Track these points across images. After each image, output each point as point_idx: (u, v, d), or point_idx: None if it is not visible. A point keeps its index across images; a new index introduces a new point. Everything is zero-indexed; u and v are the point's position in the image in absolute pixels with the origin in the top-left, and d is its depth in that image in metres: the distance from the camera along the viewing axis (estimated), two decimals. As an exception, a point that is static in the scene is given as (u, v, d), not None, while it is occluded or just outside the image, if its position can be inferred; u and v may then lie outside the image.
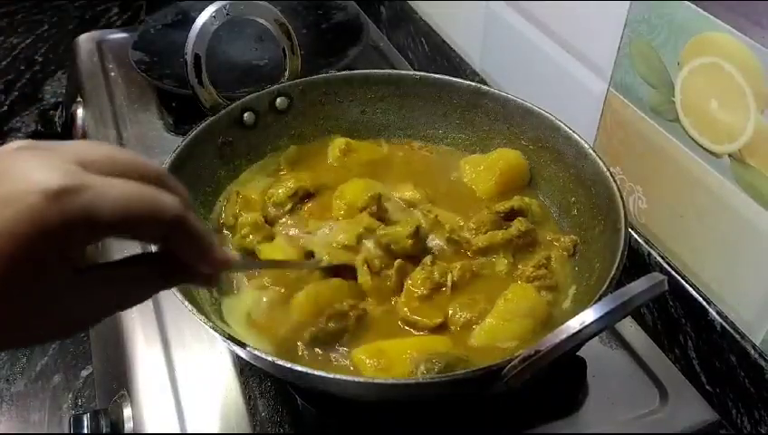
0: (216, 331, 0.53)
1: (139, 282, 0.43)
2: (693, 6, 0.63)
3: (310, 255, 0.68)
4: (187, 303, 0.55)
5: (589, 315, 0.46)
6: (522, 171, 0.77)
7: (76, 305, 0.39)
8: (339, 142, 0.81)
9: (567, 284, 0.67)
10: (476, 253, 0.69)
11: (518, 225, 0.69)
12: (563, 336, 0.46)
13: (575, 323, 0.46)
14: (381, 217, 0.71)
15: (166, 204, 0.39)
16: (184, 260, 0.43)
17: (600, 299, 0.54)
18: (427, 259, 0.66)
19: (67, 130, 1.11)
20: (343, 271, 0.66)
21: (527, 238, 0.69)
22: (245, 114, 0.77)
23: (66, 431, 0.74)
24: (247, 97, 0.77)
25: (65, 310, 0.39)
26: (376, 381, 0.55)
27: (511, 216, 0.72)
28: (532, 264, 0.67)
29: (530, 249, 0.70)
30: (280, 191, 0.74)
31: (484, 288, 0.66)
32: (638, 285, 0.46)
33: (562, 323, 0.47)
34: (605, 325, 0.46)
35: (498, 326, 0.61)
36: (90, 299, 0.40)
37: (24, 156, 0.37)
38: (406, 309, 0.64)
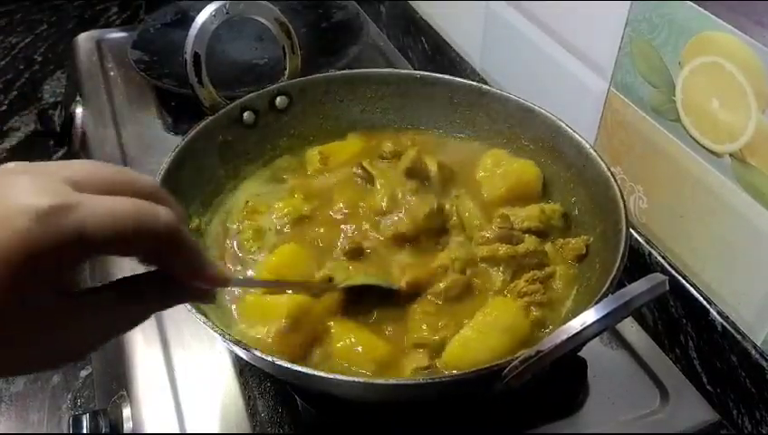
0: (215, 331, 0.53)
1: (135, 304, 0.41)
2: (694, 6, 0.63)
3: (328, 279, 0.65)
4: (186, 303, 0.55)
5: (590, 316, 0.46)
6: (531, 190, 0.75)
7: (71, 332, 0.38)
8: (313, 154, 0.79)
9: (564, 303, 0.65)
10: (480, 260, 0.68)
11: (528, 244, 0.67)
12: (564, 337, 0.46)
13: (576, 324, 0.46)
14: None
15: (159, 217, 0.38)
16: (179, 277, 0.42)
17: (600, 299, 0.54)
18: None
19: (66, 130, 1.11)
20: (355, 295, 0.63)
21: (534, 259, 0.67)
22: (245, 113, 0.77)
23: (65, 432, 0.74)
24: (247, 96, 0.77)
25: (59, 337, 0.37)
26: (377, 381, 0.55)
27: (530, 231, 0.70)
28: (526, 278, 0.65)
29: (535, 269, 0.67)
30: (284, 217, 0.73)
31: (471, 302, 0.65)
32: (639, 286, 0.46)
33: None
34: (606, 326, 0.46)
35: (473, 338, 0.60)
36: (84, 325, 0.39)
37: (14, 178, 0.36)
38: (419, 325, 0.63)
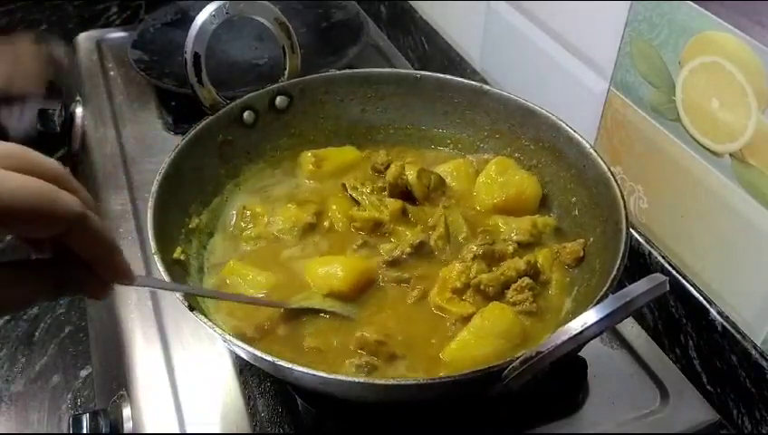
0: (215, 331, 0.53)
1: (28, 285, 0.41)
2: (694, 5, 0.63)
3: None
4: (186, 303, 0.55)
5: (590, 317, 0.46)
6: (528, 205, 0.74)
7: None
8: (307, 158, 0.80)
9: (560, 309, 0.65)
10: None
11: (508, 266, 0.66)
12: (564, 337, 0.46)
13: (576, 325, 0.46)
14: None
15: (66, 199, 0.39)
16: (87, 260, 0.41)
17: (601, 300, 0.54)
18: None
19: (66, 130, 1.11)
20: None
21: (513, 272, 0.66)
22: (245, 113, 0.77)
23: (65, 432, 0.74)
24: (247, 96, 0.77)
25: None
26: (376, 381, 0.55)
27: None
28: (515, 287, 0.65)
29: (525, 276, 0.66)
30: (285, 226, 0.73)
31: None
32: (639, 287, 0.46)
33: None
34: (606, 327, 0.46)
35: (470, 342, 0.61)
36: None
37: None
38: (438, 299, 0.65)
